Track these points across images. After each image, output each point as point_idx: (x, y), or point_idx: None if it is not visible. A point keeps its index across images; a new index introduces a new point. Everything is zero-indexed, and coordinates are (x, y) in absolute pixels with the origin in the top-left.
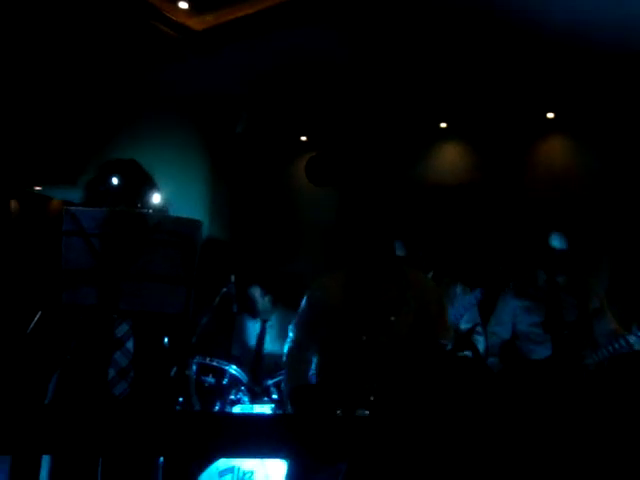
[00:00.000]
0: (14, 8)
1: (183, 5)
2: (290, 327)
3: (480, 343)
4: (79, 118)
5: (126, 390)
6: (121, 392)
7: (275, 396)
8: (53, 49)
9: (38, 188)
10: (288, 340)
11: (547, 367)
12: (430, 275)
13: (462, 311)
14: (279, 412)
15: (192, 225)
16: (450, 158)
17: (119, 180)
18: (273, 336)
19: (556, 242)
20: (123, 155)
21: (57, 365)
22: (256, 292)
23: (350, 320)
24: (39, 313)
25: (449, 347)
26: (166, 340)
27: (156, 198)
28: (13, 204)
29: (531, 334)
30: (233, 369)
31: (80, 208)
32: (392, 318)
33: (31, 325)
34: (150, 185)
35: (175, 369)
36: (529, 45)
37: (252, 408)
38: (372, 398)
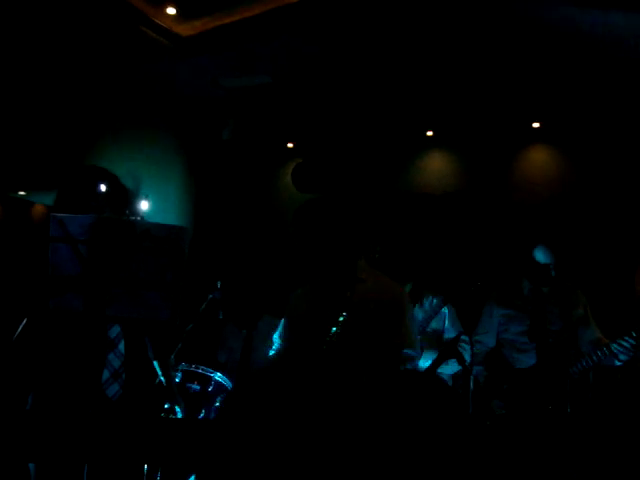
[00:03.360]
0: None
1: (171, 11)
2: (275, 336)
3: (466, 352)
4: (64, 123)
5: (119, 392)
6: (114, 394)
7: None
8: (38, 54)
9: (22, 193)
10: (273, 348)
11: (532, 375)
12: (408, 288)
13: (426, 316)
14: None
15: (179, 232)
16: (436, 166)
17: (107, 187)
18: (259, 343)
19: (540, 256)
20: (107, 160)
21: (40, 373)
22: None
23: (308, 329)
24: (25, 320)
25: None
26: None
27: (144, 205)
28: None
29: (516, 343)
30: (218, 376)
31: (67, 215)
32: (339, 321)
33: (17, 332)
34: (131, 193)
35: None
36: (516, 55)
37: None
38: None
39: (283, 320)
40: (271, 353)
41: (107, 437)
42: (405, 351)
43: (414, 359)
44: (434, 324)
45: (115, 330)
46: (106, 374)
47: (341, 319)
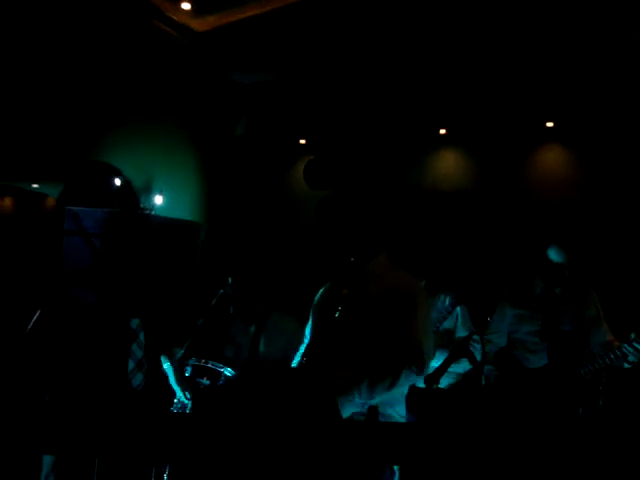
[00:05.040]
0: (11, 5)
1: (186, 6)
2: (306, 330)
3: (477, 351)
4: (77, 116)
5: (142, 382)
6: (138, 384)
7: None
8: (52, 47)
9: (35, 185)
10: (304, 343)
11: (543, 376)
12: (422, 284)
13: (440, 316)
14: None
15: (194, 227)
16: (448, 165)
17: (121, 181)
18: (267, 339)
19: (554, 255)
20: (119, 154)
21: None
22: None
23: (321, 314)
24: (38, 312)
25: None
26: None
27: (157, 200)
28: (8, 201)
29: (528, 342)
30: (228, 371)
31: (82, 208)
32: (335, 317)
33: (30, 324)
34: (148, 188)
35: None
36: (530, 54)
37: None
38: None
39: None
40: (302, 348)
41: (132, 429)
42: (416, 354)
43: (427, 362)
44: (446, 324)
45: (135, 321)
46: (131, 364)
47: (337, 315)
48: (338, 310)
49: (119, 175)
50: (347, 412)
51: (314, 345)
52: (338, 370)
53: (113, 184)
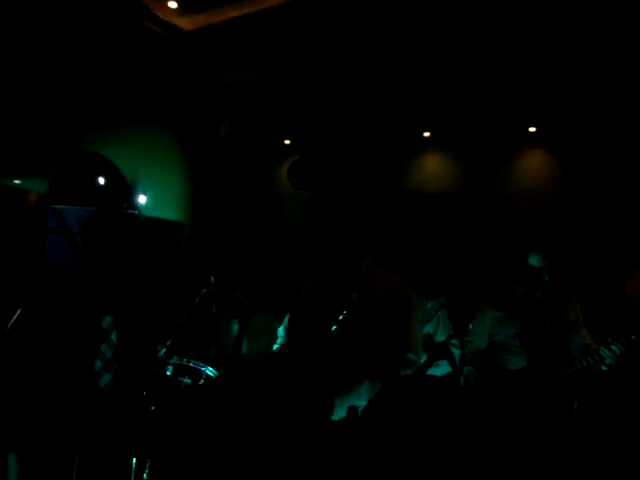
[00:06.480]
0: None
1: (172, 4)
2: (280, 329)
3: (455, 355)
4: (61, 113)
5: (110, 381)
6: (106, 383)
7: None
8: (37, 43)
9: (17, 182)
10: (277, 342)
11: (522, 377)
12: None
13: (423, 320)
14: None
15: (175, 227)
16: (432, 167)
17: (105, 180)
18: (251, 338)
19: (534, 260)
20: (104, 153)
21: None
22: (240, 296)
23: (310, 325)
24: (18, 310)
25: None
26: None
27: (141, 199)
28: None
29: (508, 345)
30: (209, 370)
31: (65, 207)
32: (339, 319)
33: (10, 321)
34: (129, 185)
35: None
36: (514, 59)
37: None
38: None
39: (288, 314)
40: (275, 347)
41: (99, 426)
42: (408, 355)
43: (416, 364)
44: (428, 327)
45: (107, 320)
46: (98, 364)
47: (341, 317)
48: (343, 313)
49: (114, 171)
50: (343, 413)
51: (313, 345)
52: (339, 370)
53: (100, 180)
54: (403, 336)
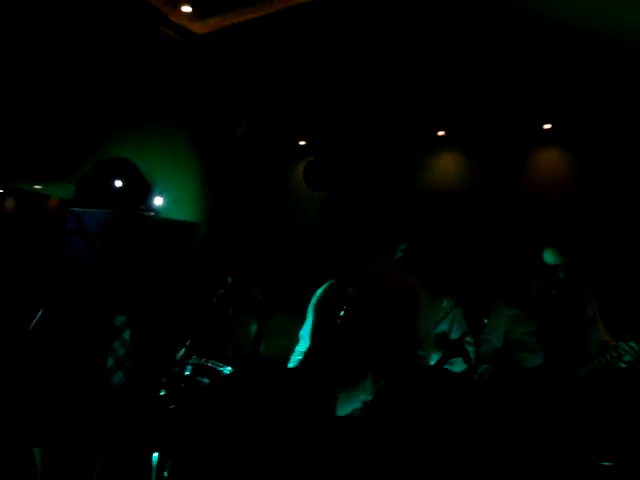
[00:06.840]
0: (17, 7)
1: (186, 9)
2: (301, 332)
3: (470, 353)
4: (79, 117)
5: (123, 379)
6: (118, 381)
7: None
8: (55, 48)
9: (38, 187)
10: (299, 346)
11: (538, 374)
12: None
13: (437, 318)
14: None
15: (192, 228)
16: (447, 166)
17: (122, 182)
18: (269, 338)
19: (549, 257)
20: (121, 155)
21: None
22: (258, 295)
23: (323, 314)
24: (40, 311)
25: (432, 358)
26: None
27: (158, 200)
28: (11, 202)
29: (524, 342)
30: (228, 370)
31: (84, 209)
32: (339, 316)
33: (32, 324)
34: (151, 187)
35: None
36: (529, 56)
37: None
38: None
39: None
40: (297, 349)
41: (114, 423)
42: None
43: (424, 359)
44: (442, 326)
45: (120, 319)
46: (110, 362)
47: (341, 314)
48: (343, 309)
49: (135, 172)
50: (348, 409)
51: (317, 344)
52: (343, 367)
53: (121, 183)
54: (408, 333)
